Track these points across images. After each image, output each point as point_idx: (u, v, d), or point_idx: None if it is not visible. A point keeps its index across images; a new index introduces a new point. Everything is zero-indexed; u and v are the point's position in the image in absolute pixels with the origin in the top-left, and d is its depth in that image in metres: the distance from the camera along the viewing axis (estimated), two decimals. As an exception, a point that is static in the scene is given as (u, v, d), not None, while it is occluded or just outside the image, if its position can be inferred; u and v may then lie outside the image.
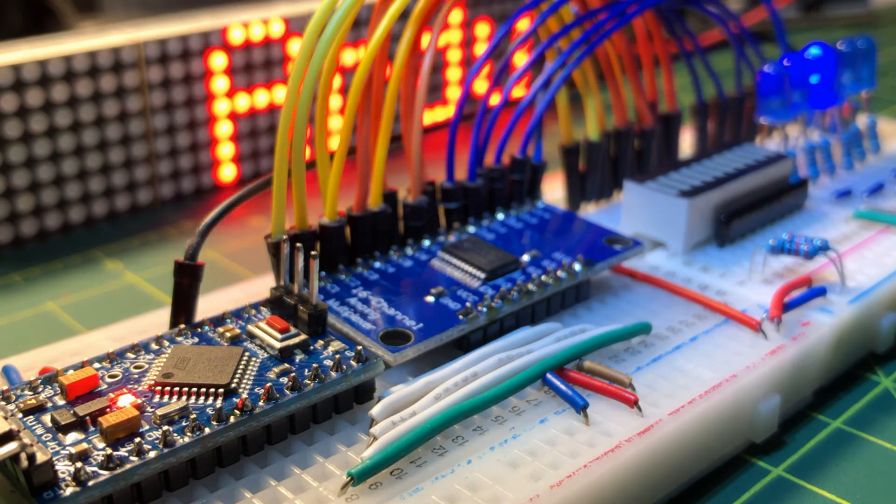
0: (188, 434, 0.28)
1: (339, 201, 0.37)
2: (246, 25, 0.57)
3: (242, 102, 0.58)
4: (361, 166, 0.39)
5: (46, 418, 0.29)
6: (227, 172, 0.59)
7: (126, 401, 0.29)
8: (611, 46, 0.47)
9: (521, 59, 0.68)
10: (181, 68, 0.55)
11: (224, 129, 0.58)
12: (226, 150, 0.58)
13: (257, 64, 0.58)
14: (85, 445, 0.27)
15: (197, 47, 0.55)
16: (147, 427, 0.28)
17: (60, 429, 0.28)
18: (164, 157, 0.56)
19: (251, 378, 0.31)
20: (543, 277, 0.37)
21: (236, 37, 0.56)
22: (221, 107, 0.57)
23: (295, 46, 0.59)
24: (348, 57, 0.61)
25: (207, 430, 0.28)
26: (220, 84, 0.57)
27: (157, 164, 0.56)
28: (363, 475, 0.29)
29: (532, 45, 0.51)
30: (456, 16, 0.67)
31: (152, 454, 0.27)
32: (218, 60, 0.56)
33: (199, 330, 0.33)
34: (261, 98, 0.58)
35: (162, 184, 0.56)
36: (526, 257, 0.39)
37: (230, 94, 0.57)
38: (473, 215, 0.42)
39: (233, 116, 0.58)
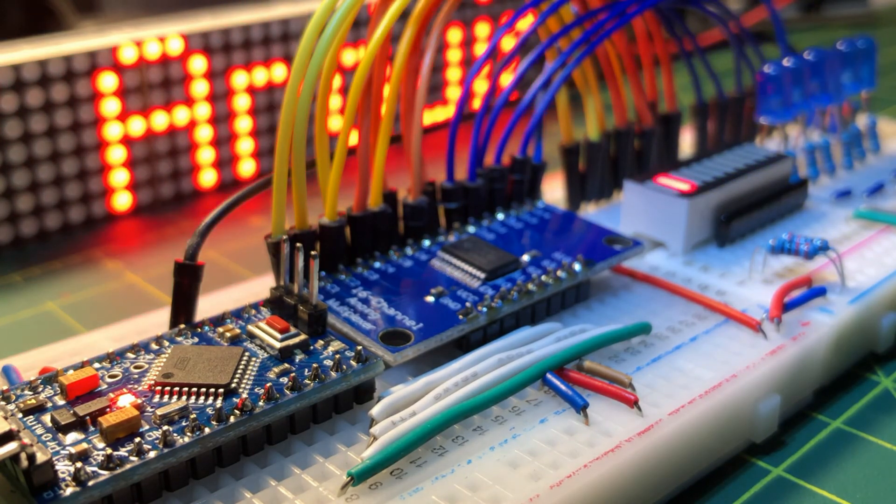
0: (188, 434, 0.28)
1: (339, 201, 0.37)
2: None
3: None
4: (361, 166, 0.39)
5: (46, 418, 0.29)
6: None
7: (126, 401, 0.29)
8: (611, 46, 0.47)
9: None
10: (181, 68, 0.55)
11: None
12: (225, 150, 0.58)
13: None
14: (85, 445, 0.27)
15: (198, 47, 0.55)
16: (147, 427, 0.28)
17: (60, 429, 0.28)
18: (164, 157, 0.56)
19: (251, 378, 0.31)
20: (543, 277, 0.37)
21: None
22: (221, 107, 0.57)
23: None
24: (348, 57, 0.61)
25: (207, 430, 0.28)
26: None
27: (158, 164, 0.56)
28: (363, 475, 0.29)
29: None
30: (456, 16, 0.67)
31: (152, 454, 0.27)
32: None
33: (199, 330, 0.33)
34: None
35: (162, 184, 0.56)
36: (526, 257, 0.39)
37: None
38: (473, 215, 0.42)
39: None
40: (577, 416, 0.32)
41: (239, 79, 0.57)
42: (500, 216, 0.42)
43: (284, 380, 0.31)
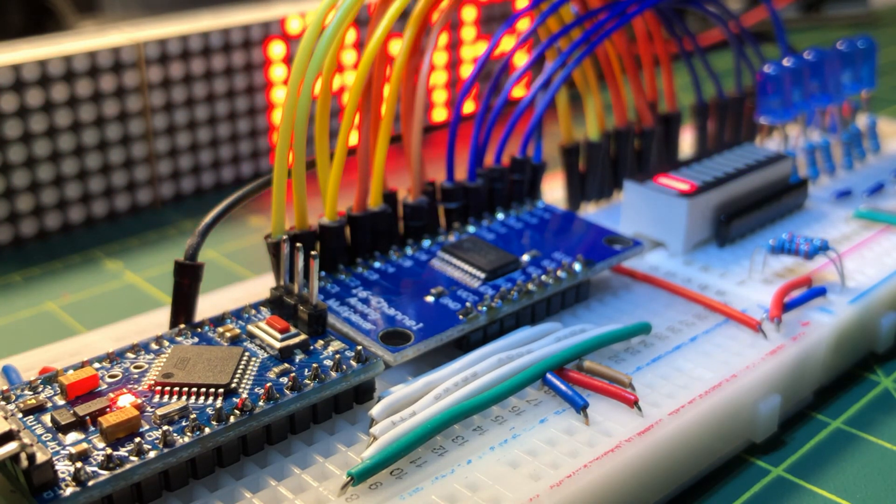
0: (188, 434, 0.28)
1: (339, 201, 0.37)
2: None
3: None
4: (361, 166, 0.39)
5: (46, 418, 0.29)
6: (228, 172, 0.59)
7: (126, 401, 0.29)
8: (611, 46, 0.47)
9: (521, 60, 0.68)
10: (181, 68, 0.55)
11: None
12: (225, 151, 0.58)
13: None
14: (85, 445, 0.27)
15: (198, 47, 0.55)
16: (147, 427, 0.28)
17: (60, 429, 0.28)
18: (164, 157, 0.56)
19: (251, 378, 0.31)
20: (543, 277, 0.37)
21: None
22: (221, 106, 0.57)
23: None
24: (348, 57, 0.61)
25: (207, 430, 0.28)
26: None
27: (157, 164, 0.56)
28: (363, 475, 0.29)
29: (532, 45, 0.51)
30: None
31: (152, 454, 0.27)
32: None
33: (199, 330, 0.33)
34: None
35: (162, 184, 0.56)
36: (526, 257, 0.39)
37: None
38: (473, 215, 0.42)
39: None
40: (577, 416, 0.32)
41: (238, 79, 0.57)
42: (500, 216, 0.42)
43: (284, 380, 0.31)
